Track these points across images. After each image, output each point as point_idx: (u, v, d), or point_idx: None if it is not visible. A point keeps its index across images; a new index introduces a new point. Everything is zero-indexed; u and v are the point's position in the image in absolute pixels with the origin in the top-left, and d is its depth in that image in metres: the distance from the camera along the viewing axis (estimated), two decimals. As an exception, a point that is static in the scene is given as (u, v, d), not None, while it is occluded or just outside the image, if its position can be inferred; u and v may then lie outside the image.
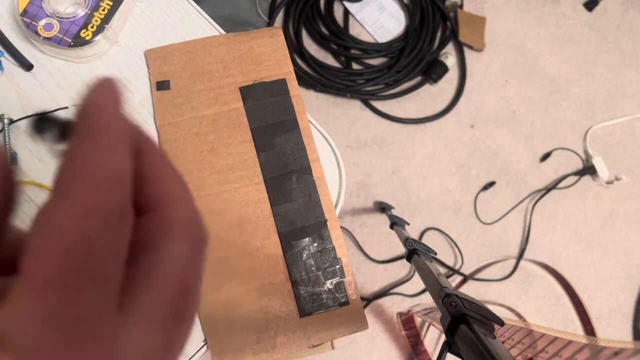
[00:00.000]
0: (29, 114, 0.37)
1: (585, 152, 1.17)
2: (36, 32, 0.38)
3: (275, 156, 0.38)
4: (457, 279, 1.07)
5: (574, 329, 1.04)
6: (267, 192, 0.37)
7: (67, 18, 0.38)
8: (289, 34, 1.20)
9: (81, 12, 0.39)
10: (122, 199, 0.12)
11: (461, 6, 1.24)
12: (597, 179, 1.13)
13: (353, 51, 1.18)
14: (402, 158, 1.13)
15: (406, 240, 0.45)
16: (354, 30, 1.21)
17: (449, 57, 1.17)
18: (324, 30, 1.20)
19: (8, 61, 0.39)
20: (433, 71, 1.16)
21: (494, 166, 1.14)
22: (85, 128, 0.13)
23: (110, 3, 0.39)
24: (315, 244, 0.36)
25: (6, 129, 0.36)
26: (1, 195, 0.14)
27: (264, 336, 0.33)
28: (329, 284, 0.35)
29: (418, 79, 1.20)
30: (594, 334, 1.01)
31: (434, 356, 0.99)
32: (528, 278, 1.07)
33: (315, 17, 1.20)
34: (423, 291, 1.05)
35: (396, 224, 0.64)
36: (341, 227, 0.65)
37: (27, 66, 0.38)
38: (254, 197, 0.36)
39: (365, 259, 1.06)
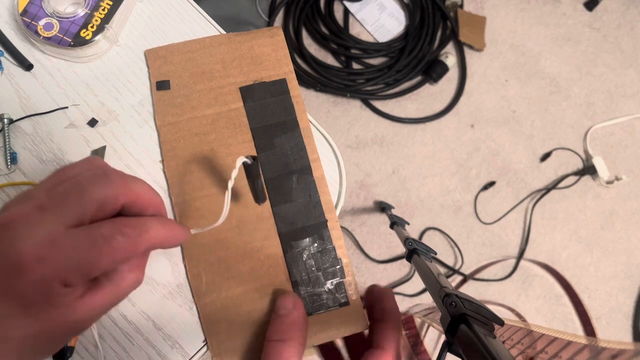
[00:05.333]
0: (29, 114, 0.37)
1: (585, 152, 1.17)
2: (36, 32, 0.38)
3: (275, 156, 0.37)
4: (457, 279, 1.07)
5: (574, 329, 1.04)
6: (267, 192, 0.37)
7: (67, 18, 0.38)
8: (289, 33, 1.20)
9: (81, 11, 0.39)
10: None
11: (461, 6, 1.24)
12: (597, 179, 1.13)
13: (353, 51, 1.18)
14: (402, 158, 1.13)
15: (406, 240, 0.45)
16: (354, 30, 1.21)
17: (449, 57, 1.17)
18: (324, 29, 1.20)
19: (8, 61, 0.39)
20: (433, 71, 1.16)
21: (494, 166, 1.14)
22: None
23: (110, 3, 0.39)
24: (316, 245, 0.36)
25: (6, 128, 0.36)
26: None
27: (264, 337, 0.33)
28: (329, 285, 0.35)
29: (418, 78, 1.19)
30: (594, 334, 1.01)
31: (434, 356, 0.99)
32: (528, 278, 1.08)
33: (315, 16, 1.20)
34: (423, 291, 1.05)
35: (396, 223, 0.64)
36: (341, 226, 0.65)
37: (27, 66, 0.38)
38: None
39: (365, 259, 1.06)
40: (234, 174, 0.29)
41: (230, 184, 0.30)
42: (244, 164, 0.30)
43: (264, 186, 0.34)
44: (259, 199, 0.33)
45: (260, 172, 0.34)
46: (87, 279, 0.23)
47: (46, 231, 0.21)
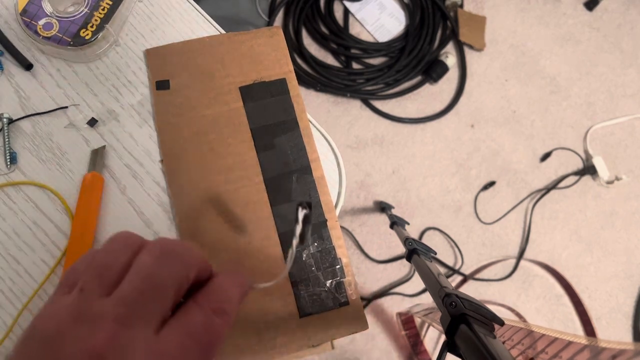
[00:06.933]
0: (29, 114, 0.37)
1: (586, 152, 1.16)
2: (36, 32, 0.37)
3: (275, 156, 0.37)
4: (457, 279, 1.07)
5: (574, 329, 1.04)
6: (267, 192, 0.37)
7: (67, 17, 0.38)
8: (289, 33, 1.20)
9: (81, 11, 0.39)
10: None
11: (461, 5, 1.24)
12: (597, 178, 1.13)
13: (353, 51, 1.18)
14: (402, 158, 1.13)
15: (406, 240, 0.45)
16: (354, 30, 1.21)
17: (449, 57, 1.17)
18: (324, 29, 1.20)
19: (7, 60, 0.39)
20: (433, 71, 1.16)
21: (494, 166, 1.14)
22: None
23: (110, 2, 0.39)
24: (315, 244, 0.36)
25: (5, 128, 0.36)
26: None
27: (264, 336, 0.33)
28: (329, 284, 0.35)
29: (418, 78, 1.19)
30: (594, 334, 1.01)
31: (434, 356, 0.99)
32: (528, 278, 1.07)
33: (315, 16, 1.19)
34: (423, 291, 1.05)
35: (396, 223, 0.64)
36: (341, 227, 0.65)
37: (27, 65, 0.38)
38: (253, 197, 0.36)
39: (365, 259, 1.06)
40: (298, 230, 0.27)
41: (295, 242, 0.28)
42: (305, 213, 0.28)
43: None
44: (303, 242, 0.33)
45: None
46: None
47: (145, 348, 0.18)
